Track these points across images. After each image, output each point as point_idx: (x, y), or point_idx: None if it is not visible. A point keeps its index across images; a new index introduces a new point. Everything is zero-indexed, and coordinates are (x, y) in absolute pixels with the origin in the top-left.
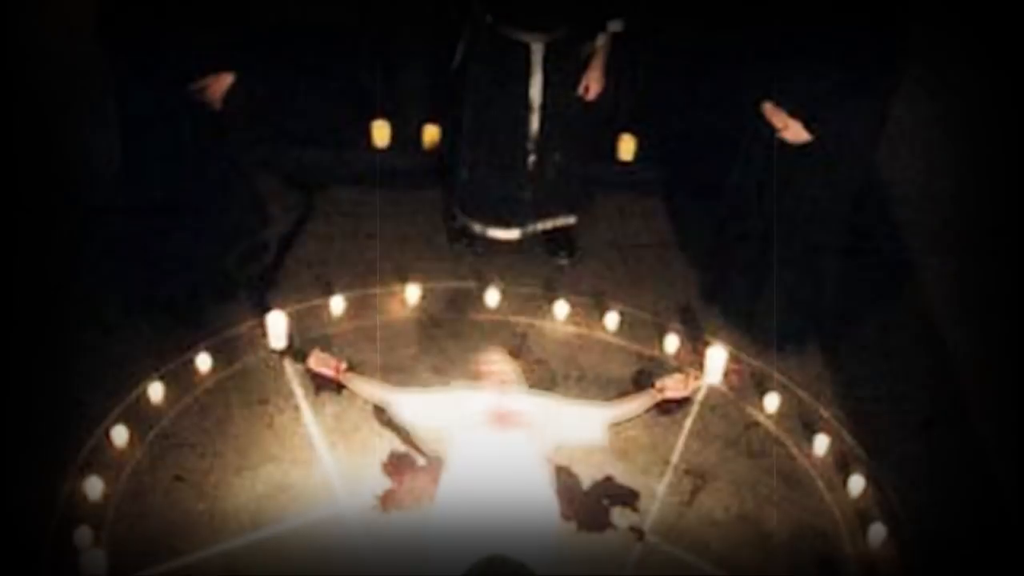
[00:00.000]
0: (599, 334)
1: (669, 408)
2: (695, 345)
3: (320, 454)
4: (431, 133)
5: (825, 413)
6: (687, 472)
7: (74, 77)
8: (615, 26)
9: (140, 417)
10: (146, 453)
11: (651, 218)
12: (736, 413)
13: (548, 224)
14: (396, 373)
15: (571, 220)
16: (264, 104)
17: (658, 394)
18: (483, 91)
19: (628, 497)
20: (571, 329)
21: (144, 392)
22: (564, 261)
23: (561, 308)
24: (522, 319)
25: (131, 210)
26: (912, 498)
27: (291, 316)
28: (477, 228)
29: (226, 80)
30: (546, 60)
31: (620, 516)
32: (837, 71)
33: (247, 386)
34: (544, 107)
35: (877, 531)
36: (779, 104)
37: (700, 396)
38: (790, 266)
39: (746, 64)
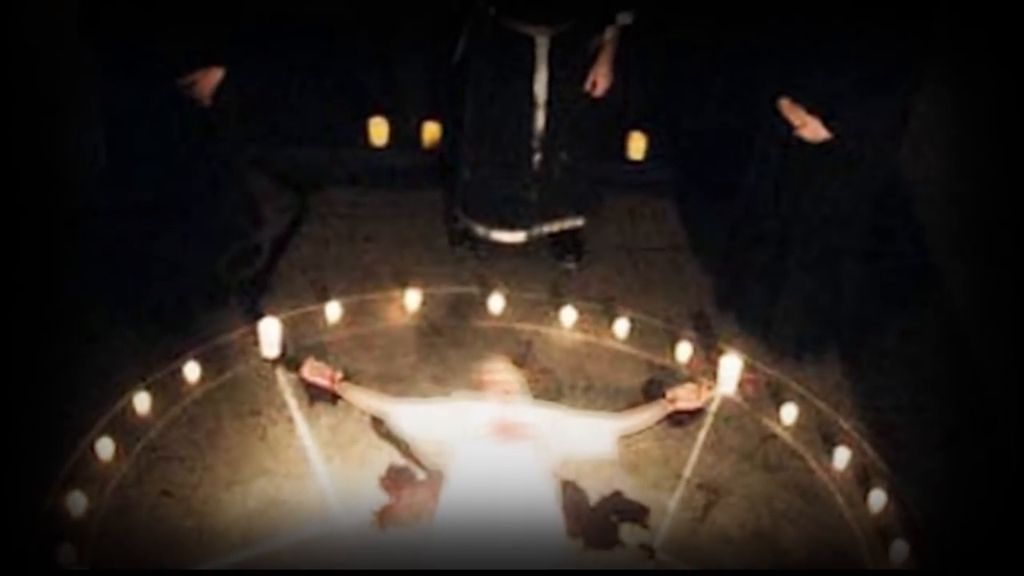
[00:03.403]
0: (608, 342)
1: (681, 419)
2: (708, 353)
3: (315, 468)
4: (431, 131)
5: (845, 425)
6: (700, 487)
7: (57, 73)
8: (624, 18)
9: (126, 429)
10: (132, 467)
11: (662, 220)
12: (752, 425)
13: (554, 226)
14: (395, 383)
15: (578, 222)
16: (256, 100)
17: (670, 405)
18: (486, 87)
19: (638, 513)
20: (579, 337)
21: (130, 403)
22: (571, 265)
23: (568, 315)
24: (527, 326)
25: (117, 212)
26: (935, 514)
27: (285, 323)
28: (480, 230)
29: (216, 75)
30: (552, 54)
31: (629, 533)
32: (857, 66)
33: (238, 396)
34: (550, 104)
35: (899, 549)
36: (796, 101)
37: (714, 407)
38: (808, 271)
39: (762, 59)
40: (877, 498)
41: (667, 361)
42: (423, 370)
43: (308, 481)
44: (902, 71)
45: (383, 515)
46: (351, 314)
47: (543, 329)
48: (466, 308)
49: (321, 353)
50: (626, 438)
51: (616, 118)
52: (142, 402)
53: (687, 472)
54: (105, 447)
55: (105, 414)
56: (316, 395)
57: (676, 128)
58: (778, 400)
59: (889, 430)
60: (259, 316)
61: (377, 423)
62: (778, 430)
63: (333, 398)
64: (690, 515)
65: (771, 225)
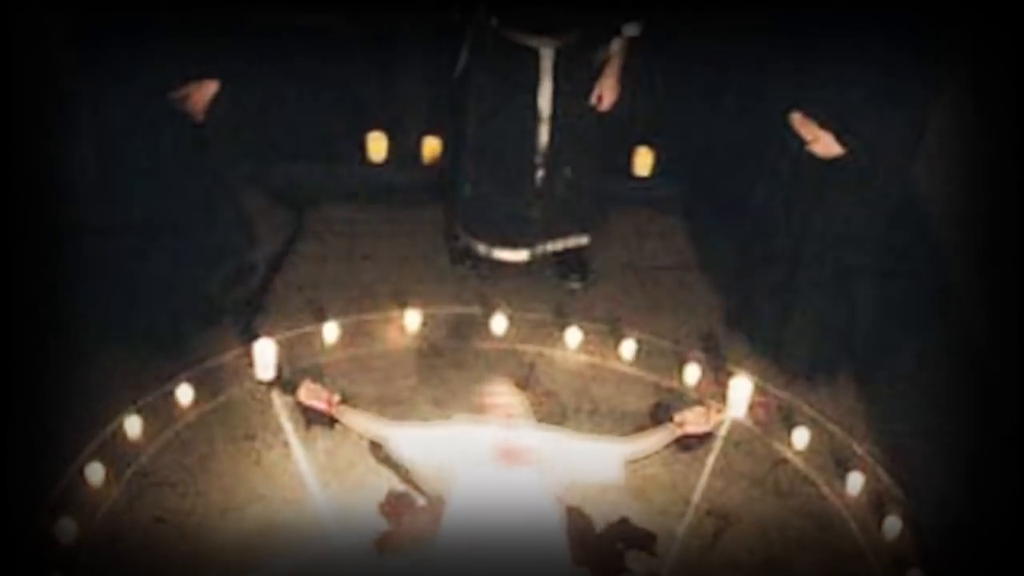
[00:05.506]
0: (614, 364)
1: (690, 444)
2: (718, 376)
3: (311, 493)
4: (431, 146)
5: (859, 449)
6: (709, 513)
7: (47, 86)
8: (631, 30)
9: (116, 453)
10: (123, 492)
11: (670, 238)
12: (762, 449)
13: (559, 244)
14: (394, 406)
15: (583, 240)
16: (251, 115)
17: (678, 429)
18: (488, 100)
19: (645, 540)
20: (584, 358)
21: (121, 426)
22: (576, 285)
23: (573, 336)
24: (530, 348)
25: (107, 229)
26: (952, 541)
27: (280, 344)
28: (482, 249)
29: (210, 88)
30: (556, 67)
31: (636, 560)
32: (871, 79)
33: (232, 420)
34: (554, 118)
35: None
36: (808, 115)
37: (723, 431)
38: (820, 290)
39: (773, 71)
40: (892, 525)
41: (675, 384)
42: (423, 393)
43: (304, 507)
44: (917, 84)
45: (382, 542)
46: (349, 335)
47: (547, 350)
48: (468, 329)
49: (318, 375)
50: (633, 463)
51: (622, 133)
52: (133, 426)
53: (696, 498)
54: (95, 472)
55: (95, 438)
56: (313, 419)
57: (684, 143)
58: (790, 424)
59: (904, 455)
60: (254, 337)
61: (376, 447)
62: (790, 455)
63: (330, 422)
64: (699, 542)
65: (782, 243)
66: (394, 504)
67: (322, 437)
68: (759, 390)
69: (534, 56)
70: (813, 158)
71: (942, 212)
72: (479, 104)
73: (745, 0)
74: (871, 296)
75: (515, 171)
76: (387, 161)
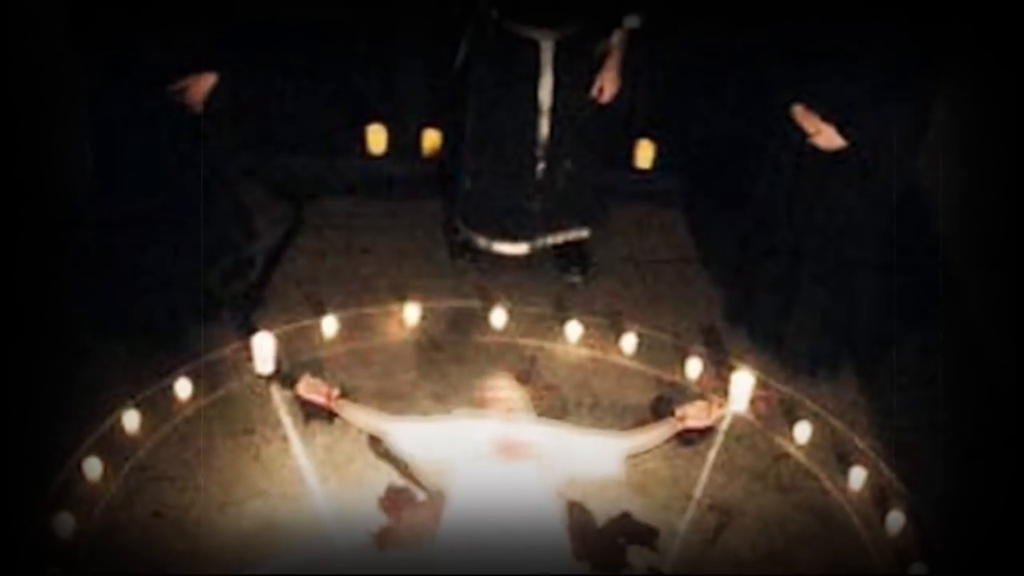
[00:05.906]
0: (615, 358)
1: (691, 438)
2: (719, 370)
3: (311, 488)
4: (431, 139)
5: (861, 444)
6: (711, 508)
7: (43, 79)
8: (632, 22)
9: (115, 448)
10: (121, 487)
11: (671, 231)
12: (764, 444)
13: (559, 238)
14: (394, 400)
15: (584, 233)
16: (250, 107)
17: (679, 423)
18: (488, 93)
19: (646, 535)
20: (584, 352)
21: (119, 421)
22: (576, 278)
23: (573, 329)
24: (531, 342)
25: (105, 223)
26: (955, 536)
27: (279, 338)
28: (481, 242)
29: (208, 81)
30: (557, 59)
31: (638, 556)
32: (873, 71)
33: (231, 414)
34: (554, 110)
35: (918, 572)
36: (810, 107)
37: (725, 425)
38: (822, 284)
39: (774, 63)
40: (895, 520)
41: (676, 378)
42: (423, 387)
43: (304, 502)
44: (920, 76)
45: (382, 537)
46: (348, 329)
47: (547, 344)
48: (467, 323)
49: (317, 369)
50: (634, 457)
51: (623, 125)
52: (131, 420)
53: (697, 493)
54: (93, 467)
55: (93, 433)
56: (312, 413)
57: (685, 136)
58: (791, 418)
59: (907, 449)
60: (253, 331)
61: (375, 442)
62: (791, 449)
63: (330, 416)
64: (700, 537)
65: (784, 236)
66: (394, 499)
67: (321, 432)
68: (761, 384)
69: (535, 48)
70: (815, 151)
71: (944, 205)
72: (479, 96)
73: None
74: (873, 290)
75: (515, 164)
76: (386, 154)
